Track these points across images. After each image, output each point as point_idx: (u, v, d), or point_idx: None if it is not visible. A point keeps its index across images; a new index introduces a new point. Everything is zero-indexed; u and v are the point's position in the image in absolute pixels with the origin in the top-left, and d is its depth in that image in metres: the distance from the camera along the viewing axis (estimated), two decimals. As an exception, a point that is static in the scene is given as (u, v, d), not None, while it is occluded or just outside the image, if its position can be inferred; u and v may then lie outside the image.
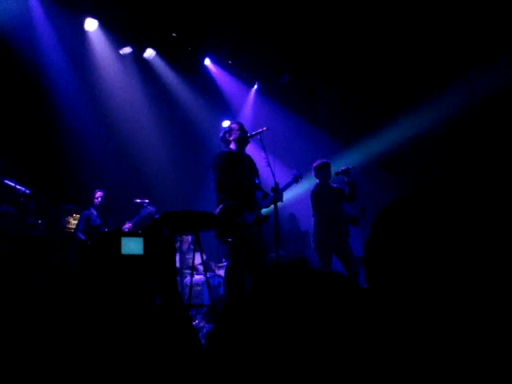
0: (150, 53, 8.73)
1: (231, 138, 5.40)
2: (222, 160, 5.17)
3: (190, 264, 6.43)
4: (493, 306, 0.82)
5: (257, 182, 5.34)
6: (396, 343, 0.84)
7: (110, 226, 7.17)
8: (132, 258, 1.74)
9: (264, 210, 5.40)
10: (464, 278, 0.83)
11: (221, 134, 5.54)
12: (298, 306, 0.89)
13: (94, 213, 7.17)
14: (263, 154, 5.29)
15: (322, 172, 6.54)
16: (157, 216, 4.56)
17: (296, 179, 5.59)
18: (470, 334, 0.81)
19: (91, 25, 7.84)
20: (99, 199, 7.21)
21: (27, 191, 5.31)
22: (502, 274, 0.83)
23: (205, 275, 5.08)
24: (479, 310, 0.82)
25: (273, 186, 5.23)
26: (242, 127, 5.47)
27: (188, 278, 6.42)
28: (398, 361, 0.83)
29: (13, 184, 5.32)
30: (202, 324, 5.86)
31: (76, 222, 6.45)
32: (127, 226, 7.14)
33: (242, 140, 5.41)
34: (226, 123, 9.24)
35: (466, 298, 0.82)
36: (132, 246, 1.72)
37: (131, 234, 1.76)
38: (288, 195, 7.28)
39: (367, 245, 0.94)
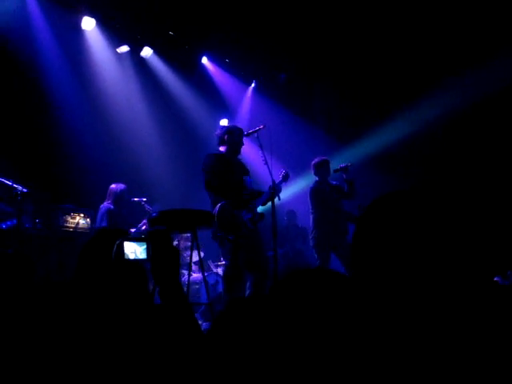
0: (147, 51, 8.73)
1: (227, 140, 5.39)
2: (213, 161, 5.16)
3: (187, 262, 6.42)
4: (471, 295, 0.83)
5: (249, 180, 5.34)
6: (381, 329, 0.85)
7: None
8: (134, 261, 1.75)
9: (261, 208, 5.41)
10: (441, 267, 0.84)
11: (219, 132, 5.51)
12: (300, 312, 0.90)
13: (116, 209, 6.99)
14: (260, 152, 5.29)
15: (321, 169, 6.55)
16: (154, 214, 4.55)
17: (284, 178, 5.58)
18: (449, 321, 0.83)
19: (88, 24, 7.84)
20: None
21: (25, 190, 5.29)
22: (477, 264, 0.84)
23: (202, 273, 5.08)
24: (456, 296, 0.83)
25: (270, 184, 5.24)
26: (241, 135, 5.45)
27: (185, 276, 6.43)
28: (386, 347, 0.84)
29: (10, 183, 5.31)
30: (199, 322, 5.87)
31: (74, 220, 6.44)
32: (144, 223, 7.07)
33: (236, 147, 5.41)
34: (223, 121, 9.28)
35: (445, 286, 0.83)
36: (135, 250, 1.72)
37: (134, 238, 1.76)
38: (286, 192, 7.29)
39: (353, 237, 0.95)
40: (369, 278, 0.89)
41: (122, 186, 6.88)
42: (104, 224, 6.57)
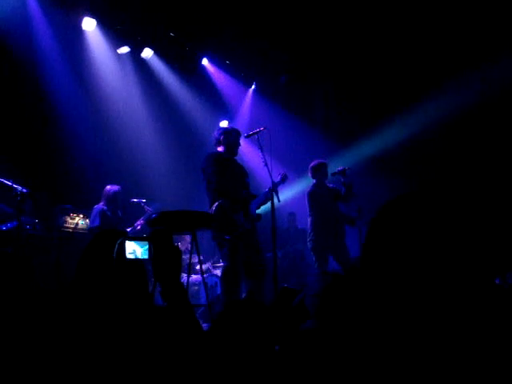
0: (147, 52, 8.73)
1: (223, 141, 5.40)
2: (213, 161, 5.18)
3: (187, 264, 6.42)
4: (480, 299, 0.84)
5: (247, 183, 5.37)
6: (388, 329, 0.86)
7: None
8: (134, 261, 1.74)
9: (261, 209, 5.42)
10: (452, 271, 0.85)
11: (217, 133, 5.53)
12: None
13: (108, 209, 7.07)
14: (260, 153, 5.30)
15: (319, 172, 6.56)
16: (154, 216, 4.55)
17: (283, 179, 5.59)
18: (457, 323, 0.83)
19: (89, 24, 7.84)
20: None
21: (24, 190, 5.29)
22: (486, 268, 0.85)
23: (201, 275, 5.08)
24: (466, 301, 0.84)
25: (270, 186, 5.25)
26: (238, 136, 5.47)
27: (185, 277, 6.43)
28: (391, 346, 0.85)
29: (10, 183, 5.30)
30: (198, 323, 5.86)
31: (73, 221, 6.43)
32: (139, 222, 7.09)
33: (232, 148, 5.43)
34: (223, 123, 9.28)
35: (454, 289, 0.84)
36: (136, 250, 1.72)
37: (136, 238, 1.76)
38: (286, 194, 7.29)
39: (364, 239, 0.96)
40: (379, 278, 0.90)
41: (115, 187, 6.93)
42: (96, 224, 6.60)
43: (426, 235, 0.88)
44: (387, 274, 0.89)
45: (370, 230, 0.96)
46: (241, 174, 5.41)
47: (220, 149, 5.43)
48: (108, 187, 6.91)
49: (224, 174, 5.15)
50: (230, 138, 5.42)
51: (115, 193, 6.88)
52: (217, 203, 5.01)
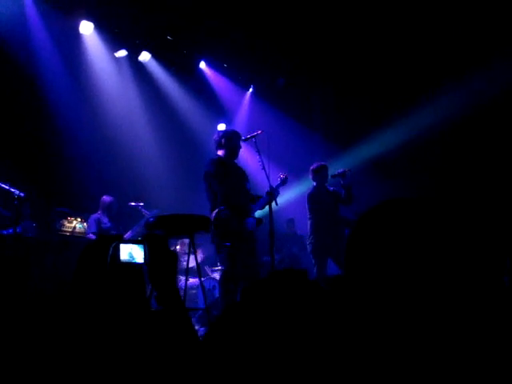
0: (145, 56, 8.74)
1: (225, 144, 5.38)
2: (215, 167, 5.16)
3: (185, 267, 6.42)
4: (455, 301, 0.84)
5: (247, 187, 5.36)
6: (371, 327, 0.86)
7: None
8: (130, 264, 1.73)
9: (259, 213, 5.40)
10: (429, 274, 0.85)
11: (216, 136, 5.51)
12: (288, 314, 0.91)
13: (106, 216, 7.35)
14: (258, 157, 5.29)
15: (319, 175, 6.55)
16: (151, 219, 4.54)
17: (283, 182, 5.59)
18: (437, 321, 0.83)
19: (86, 28, 7.84)
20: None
21: (22, 194, 5.28)
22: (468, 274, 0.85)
23: (199, 278, 5.07)
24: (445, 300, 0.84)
25: (267, 189, 5.24)
26: (238, 138, 5.46)
27: (182, 281, 6.42)
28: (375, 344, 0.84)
29: (7, 187, 5.29)
30: (196, 327, 5.85)
31: (71, 224, 6.42)
32: (127, 235, 7.14)
33: (234, 150, 5.41)
34: (221, 126, 9.28)
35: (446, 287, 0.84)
36: (131, 253, 1.70)
37: (130, 240, 1.74)
38: (285, 198, 7.28)
39: (347, 242, 0.96)
40: (363, 281, 0.90)
41: (109, 198, 7.33)
42: (92, 231, 6.92)
43: (404, 242, 0.88)
44: (369, 280, 0.89)
45: (350, 239, 0.96)
46: (242, 178, 5.39)
47: (220, 152, 5.40)
48: (104, 197, 7.32)
49: (225, 179, 5.12)
50: (232, 140, 5.40)
51: (110, 203, 7.29)
52: (218, 209, 4.98)
